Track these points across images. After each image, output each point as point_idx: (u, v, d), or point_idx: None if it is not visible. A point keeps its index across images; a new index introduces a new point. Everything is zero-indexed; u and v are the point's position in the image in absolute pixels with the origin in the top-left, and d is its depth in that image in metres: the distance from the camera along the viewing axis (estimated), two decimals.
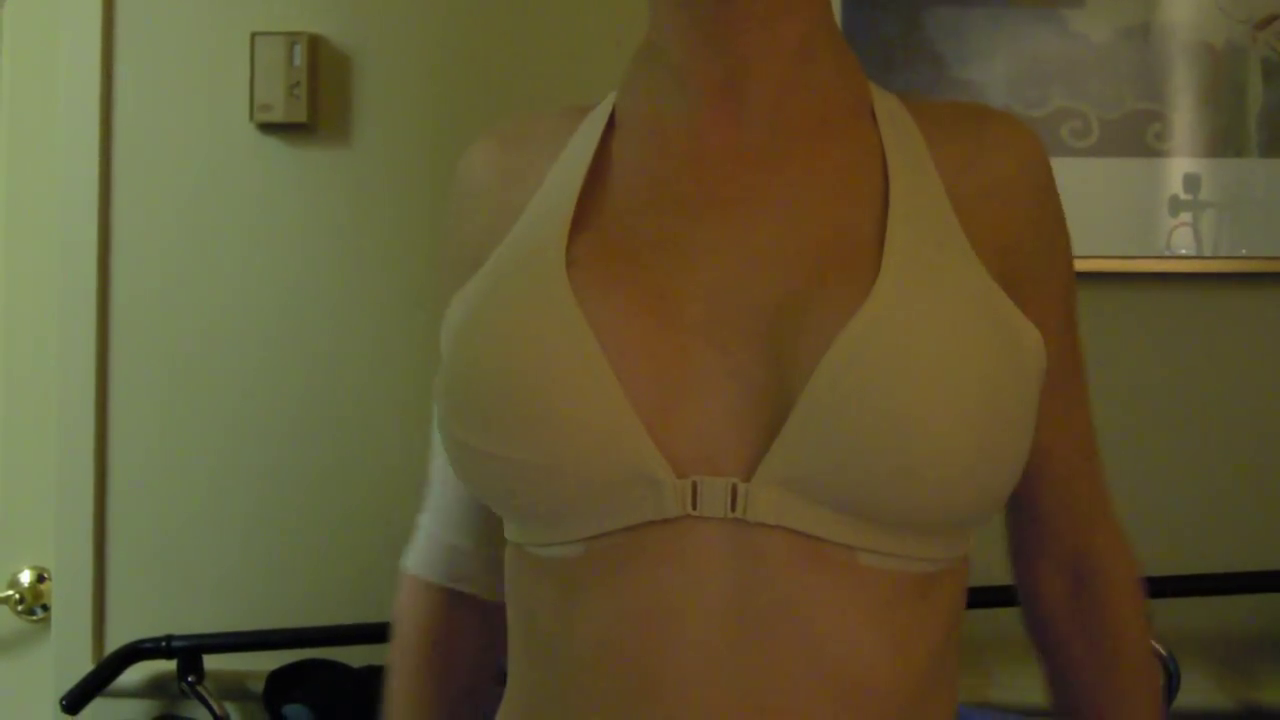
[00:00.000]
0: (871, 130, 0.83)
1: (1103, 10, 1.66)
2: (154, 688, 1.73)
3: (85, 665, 1.72)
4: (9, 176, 1.85)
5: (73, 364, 1.75)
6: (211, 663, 1.67)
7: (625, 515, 0.72)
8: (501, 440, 0.72)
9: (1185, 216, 1.64)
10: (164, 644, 1.64)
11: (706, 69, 0.81)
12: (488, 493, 0.77)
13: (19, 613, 1.82)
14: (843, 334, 0.70)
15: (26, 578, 1.82)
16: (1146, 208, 1.65)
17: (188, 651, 1.64)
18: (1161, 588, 1.41)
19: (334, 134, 1.75)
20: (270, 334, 1.75)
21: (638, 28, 0.88)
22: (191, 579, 1.75)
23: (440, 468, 0.97)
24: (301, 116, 1.72)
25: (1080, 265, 0.89)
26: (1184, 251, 1.64)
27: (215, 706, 1.64)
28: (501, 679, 0.87)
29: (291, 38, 1.72)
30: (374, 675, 1.53)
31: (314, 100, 1.74)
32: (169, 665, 1.67)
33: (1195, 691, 1.58)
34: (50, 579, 1.81)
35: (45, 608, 1.82)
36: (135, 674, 1.69)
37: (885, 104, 0.85)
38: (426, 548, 0.98)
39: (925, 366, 0.69)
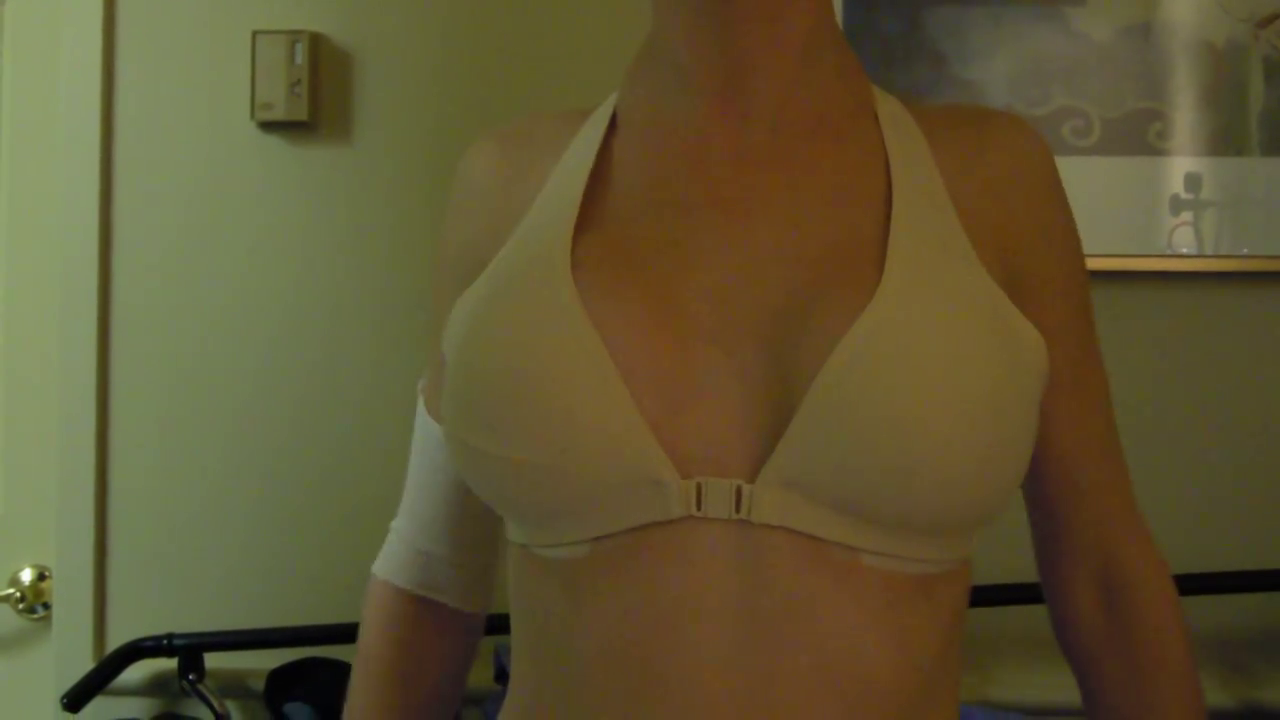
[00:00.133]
0: (873, 131, 0.83)
1: (1104, 9, 1.66)
2: (155, 686, 1.73)
3: (86, 663, 1.72)
4: (10, 174, 1.85)
5: (74, 362, 1.75)
6: (212, 661, 1.67)
7: (630, 516, 0.72)
8: (507, 442, 0.73)
9: (1186, 215, 1.64)
10: (165, 642, 1.65)
11: (710, 68, 0.81)
12: (493, 494, 0.77)
13: (20, 611, 1.82)
14: (846, 337, 0.70)
15: (27, 576, 1.82)
16: (1148, 207, 1.65)
17: (189, 650, 1.65)
18: None
19: (335, 132, 1.75)
20: (271, 332, 1.75)
21: (639, 26, 0.88)
22: (192, 577, 1.75)
23: (418, 473, 0.96)
24: (303, 115, 1.72)
25: None
26: (1185, 251, 1.64)
27: (216, 705, 1.64)
28: (503, 681, 0.87)
29: (293, 36, 1.72)
30: None
31: (315, 99, 1.74)
32: (170, 663, 1.67)
33: None
34: (51, 577, 1.81)
35: (46, 606, 1.82)
36: (136, 672, 1.70)
37: (887, 105, 0.85)
38: (399, 553, 0.97)
39: (927, 370, 0.70)
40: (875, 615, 0.72)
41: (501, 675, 1.56)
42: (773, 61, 0.81)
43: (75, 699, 1.63)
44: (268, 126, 1.75)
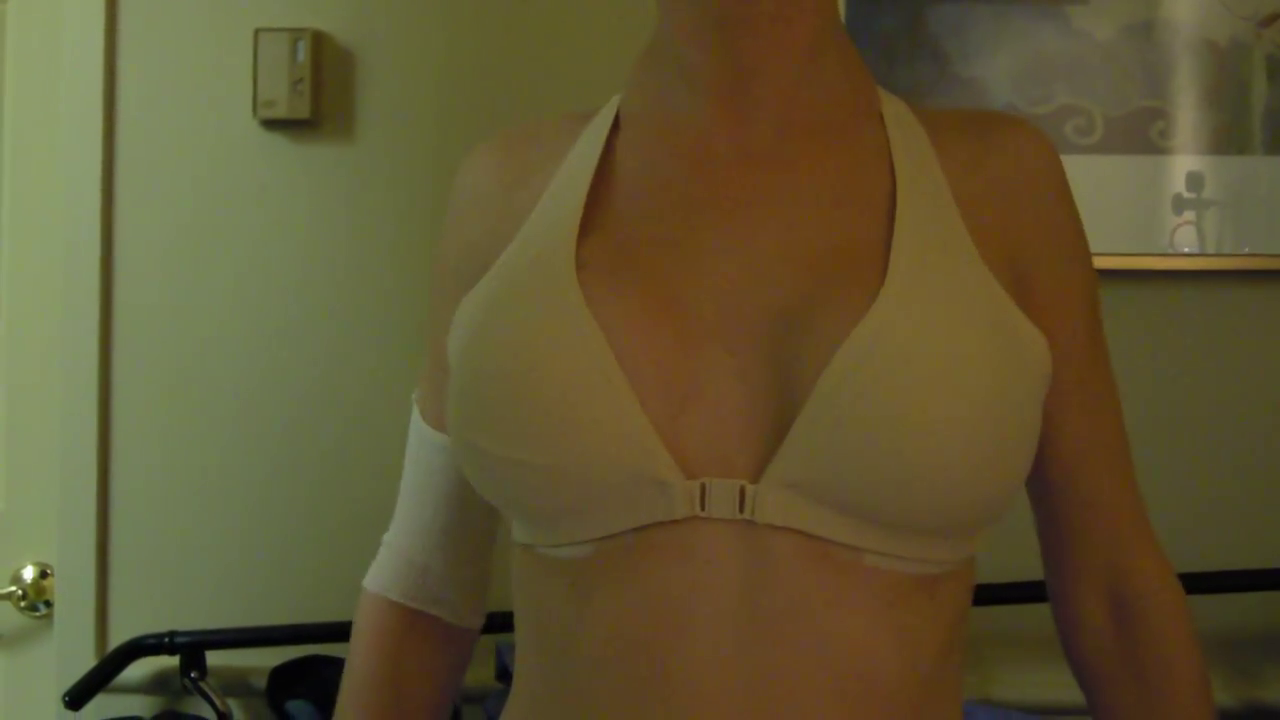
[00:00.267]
0: (878, 132, 0.82)
1: (1106, 7, 1.65)
2: (157, 684, 1.73)
3: (88, 661, 1.72)
4: (12, 172, 1.85)
5: (76, 359, 1.75)
6: (214, 659, 1.67)
7: (634, 516, 0.72)
8: (513, 443, 0.73)
9: (1189, 214, 1.64)
10: (167, 640, 1.65)
11: (716, 69, 0.81)
12: (498, 495, 0.77)
13: (22, 609, 1.82)
14: (849, 340, 0.70)
15: (29, 574, 1.82)
16: (1150, 205, 1.65)
17: (190, 648, 1.65)
18: None
19: (337, 130, 1.75)
20: (273, 330, 1.76)
21: (642, 24, 0.88)
22: (194, 575, 1.76)
23: (413, 485, 0.95)
24: (305, 113, 1.72)
25: None
26: (1187, 249, 1.64)
27: (218, 703, 1.64)
28: (504, 679, 0.87)
29: (295, 34, 1.72)
30: None
31: (317, 96, 1.74)
32: (172, 661, 1.67)
33: None
34: (53, 575, 1.81)
35: (48, 604, 1.82)
36: (138, 670, 1.70)
37: (892, 107, 0.85)
38: (392, 566, 0.95)
39: (929, 373, 0.70)
40: (878, 615, 0.72)
41: (503, 673, 1.56)
42: (779, 63, 0.80)
43: (77, 697, 1.63)
44: (270, 124, 1.75)
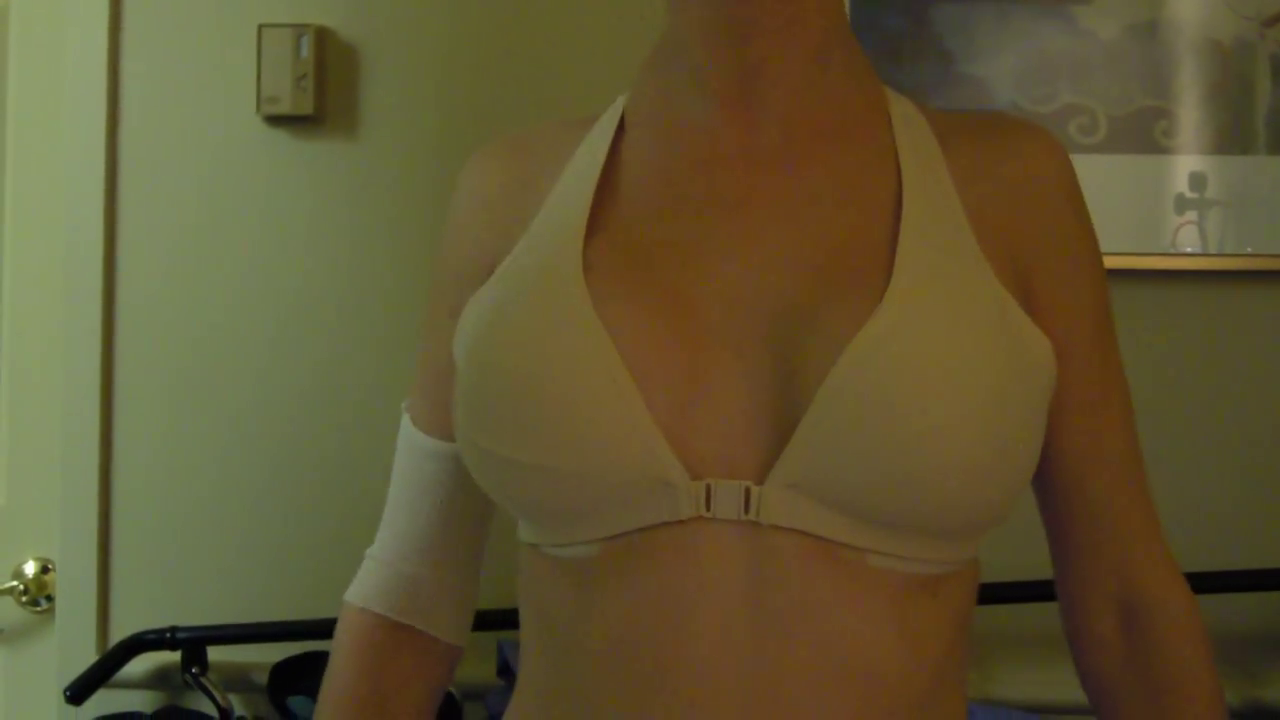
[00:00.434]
0: (885, 134, 0.82)
1: (1110, 6, 1.65)
2: (158, 679, 1.73)
3: (89, 656, 1.72)
4: (16, 168, 1.85)
5: (78, 355, 1.76)
6: (215, 654, 1.67)
7: (640, 517, 0.72)
8: (518, 445, 0.73)
9: (1191, 214, 1.64)
10: (168, 635, 1.65)
11: (724, 71, 0.81)
12: (504, 495, 0.78)
13: (23, 604, 1.82)
14: (853, 342, 0.70)
15: (31, 569, 1.82)
16: (1152, 205, 1.64)
17: (192, 643, 1.65)
18: None
19: (341, 126, 1.75)
20: (275, 325, 1.76)
21: (645, 22, 0.88)
22: (196, 570, 1.76)
23: (403, 494, 0.93)
24: (308, 109, 1.72)
25: None
26: (1189, 249, 1.64)
27: (219, 698, 1.64)
28: (505, 675, 0.87)
29: (298, 29, 1.72)
30: None
31: (321, 92, 1.74)
32: (173, 657, 1.67)
33: None
34: (54, 570, 1.81)
35: (49, 599, 1.82)
36: (139, 665, 1.70)
37: (900, 107, 0.84)
38: (379, 578, 0.93)
39: (933, 376, 0.70)
40: (883, 613, 0.72)
41: (504, 670, 1.56)
42: (787, 66, 0.80)
43: (78, 692, 1.63)
44: (273, 120, 1.75)
